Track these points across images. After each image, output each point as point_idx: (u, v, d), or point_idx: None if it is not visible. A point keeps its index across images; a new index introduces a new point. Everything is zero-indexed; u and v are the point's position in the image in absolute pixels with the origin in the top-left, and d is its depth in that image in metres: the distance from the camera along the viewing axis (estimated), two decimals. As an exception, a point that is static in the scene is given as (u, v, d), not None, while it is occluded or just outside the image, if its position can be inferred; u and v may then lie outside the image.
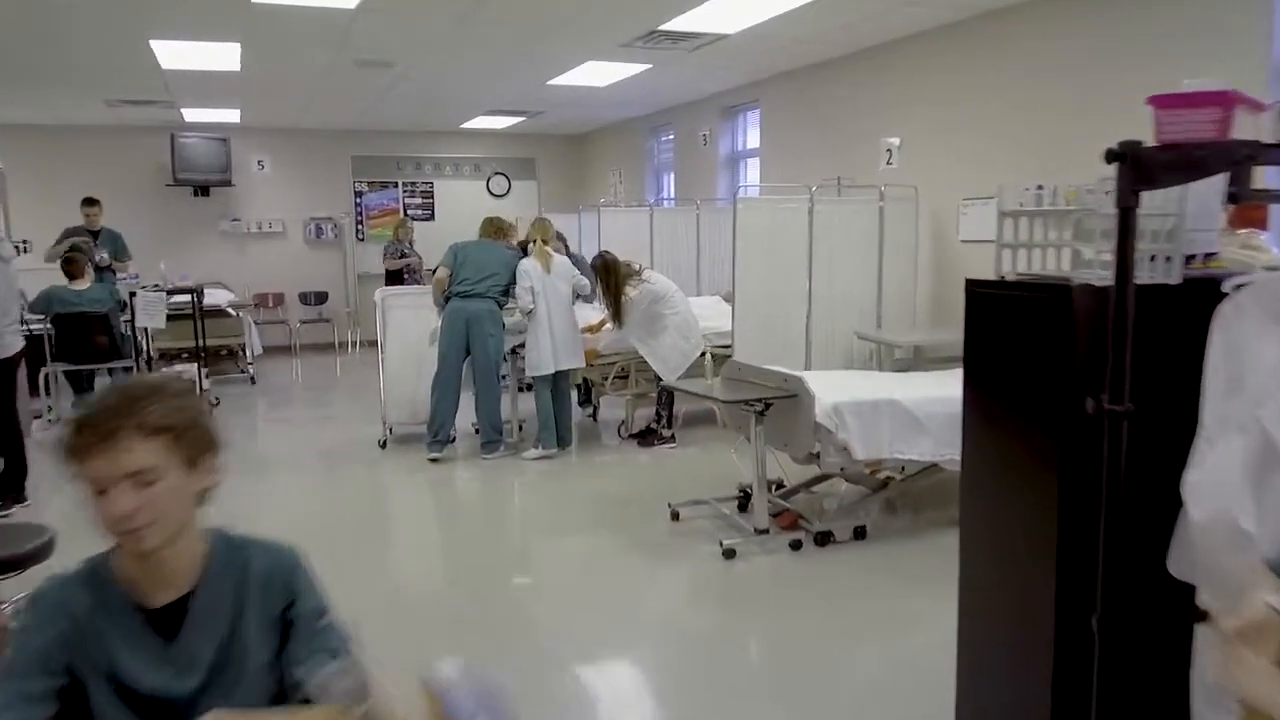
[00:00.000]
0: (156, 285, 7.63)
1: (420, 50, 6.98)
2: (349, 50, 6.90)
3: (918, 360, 5.91)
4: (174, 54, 6.88)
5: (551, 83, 8.35)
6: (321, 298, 11.99)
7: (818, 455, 4.30)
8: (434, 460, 6.08)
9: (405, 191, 12.34)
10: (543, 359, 6.09)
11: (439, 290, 6.10)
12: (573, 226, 9.55)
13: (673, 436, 6.50)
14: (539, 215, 7.09)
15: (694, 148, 9.70)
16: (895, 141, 6.86)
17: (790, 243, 6.10)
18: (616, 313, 6.24)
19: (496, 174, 12.64)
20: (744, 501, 4.89)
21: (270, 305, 11.74)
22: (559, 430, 6.27)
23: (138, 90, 8.40)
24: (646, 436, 6.57)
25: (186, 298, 8.42)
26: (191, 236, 11.40)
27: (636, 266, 6.33)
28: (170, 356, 8.99)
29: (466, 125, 11.51)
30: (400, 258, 10.11)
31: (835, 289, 6.20)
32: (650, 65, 7.57)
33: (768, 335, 6.11)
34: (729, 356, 6.17)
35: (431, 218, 12.30)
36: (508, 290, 6.12)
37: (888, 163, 6.92)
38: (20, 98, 8.65)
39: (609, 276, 6.20)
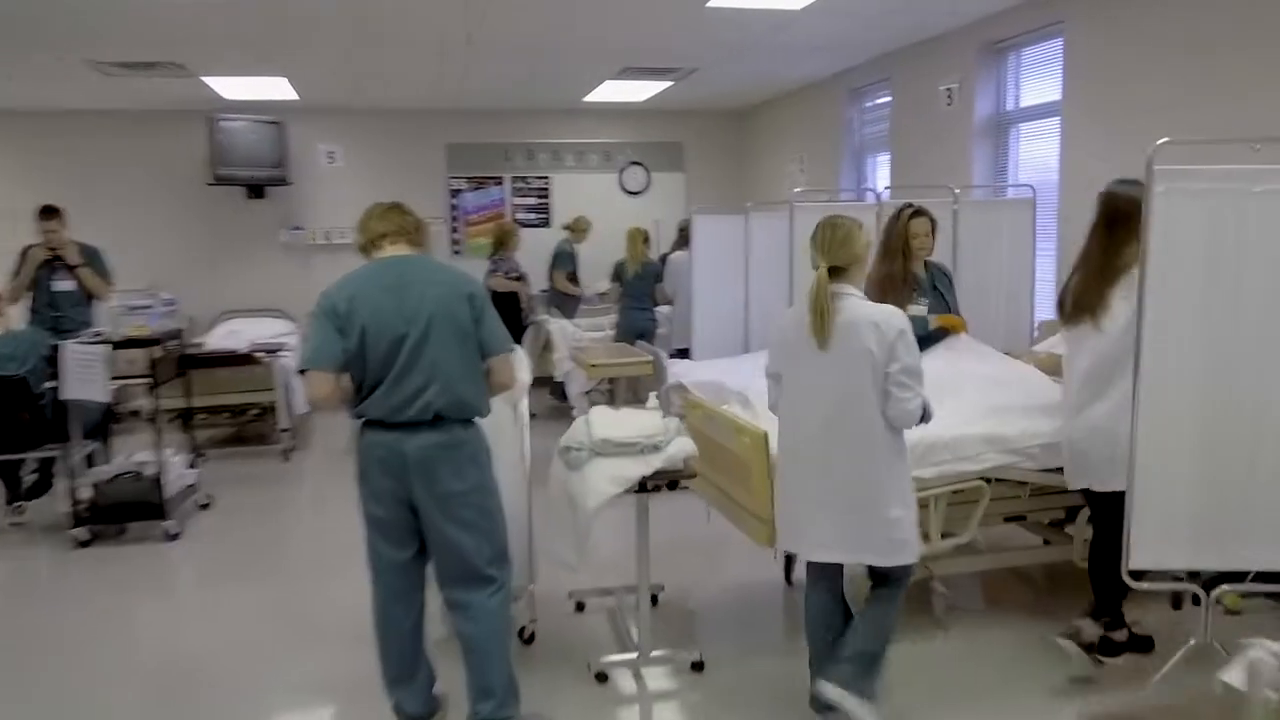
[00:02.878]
0: (98, 333, 4.92)
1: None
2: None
3: None
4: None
5: (713, 3, 5.20)
6: (406, 328, 9.26)
7: None
8: None
9: (514, 190, 9.46)
10: (786, 526, 2.89)
11: (328, 398, 2.70)
12: (729, 233, 6.47)
13: (1138, 639, 3.19)
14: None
15: (928, 112, 6.34)
16: None
17: (1236, 266, 2.70)
18: None
19: (632, 164, 9.59)
20: None
21: (341, 338, 9.07)
22: (863, 672, 2.80)
23: (114, 43, 5.77)
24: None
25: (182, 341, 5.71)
26: (241, 251, 8.87)
27: None
28: (179, 420, 6.31)
29: (592, 98, 8.50)
30: (516, 278, 7.17)
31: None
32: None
33: (1204, 462, 2.74)
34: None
35: (546, 224, 9.38)
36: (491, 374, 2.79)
37: None
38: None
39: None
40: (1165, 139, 2.60)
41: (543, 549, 3.36)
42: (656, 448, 3.09)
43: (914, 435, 3.02)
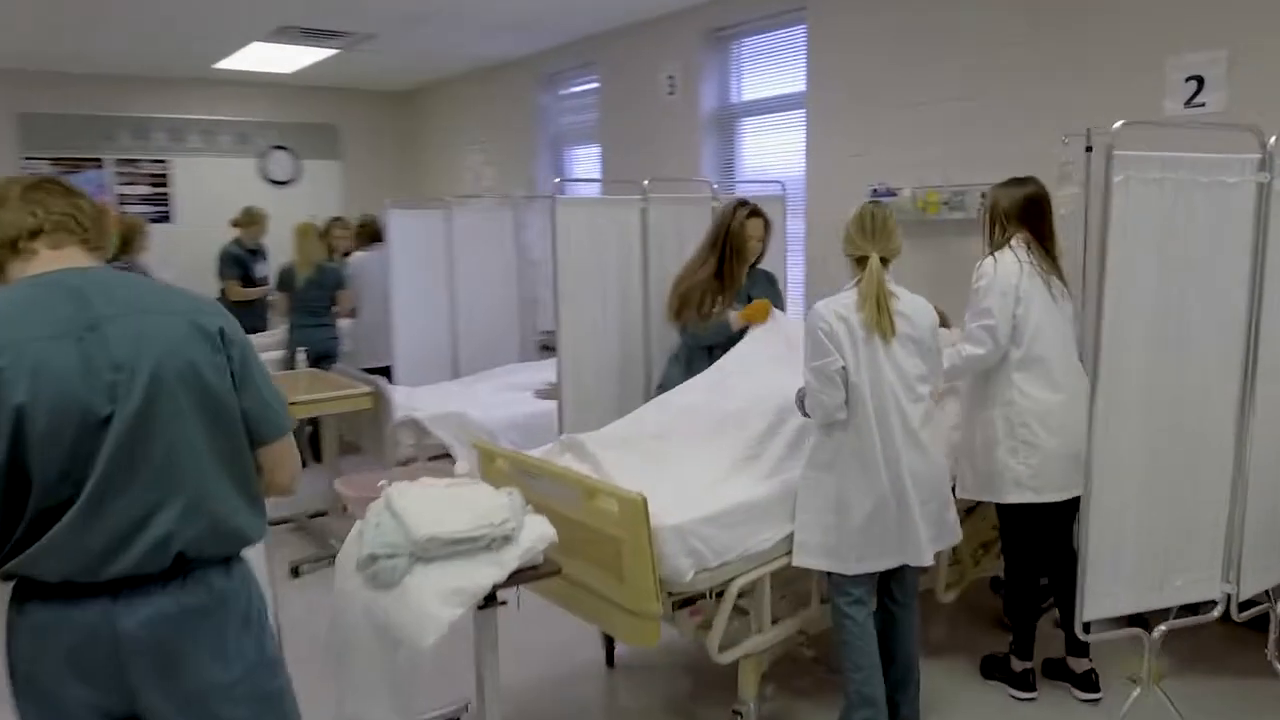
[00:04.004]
0: None
1: None
2: None
3: None
4: None
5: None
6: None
7: None
8: None
9: (120, 175, 7.51)
10: (844, 537, 2.54)
11: None
12: (430, 232, 5.62)
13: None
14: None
15: (646, 102, 5.85)
16: (1214, 60, 3.41)
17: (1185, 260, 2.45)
18: None
19: (276, 148, 8.07)
20: None
21: None
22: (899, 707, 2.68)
23: None
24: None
25: None
26: None
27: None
28: None
29: (226, 65, 6.93)
30: None
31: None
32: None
33: (1151, 483, 2.45)
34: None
35: (167, 217, 7.58)
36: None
37: (1189, 102, 3.47)
38: None
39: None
40: (1121, 121, 2.23)
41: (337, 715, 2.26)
42: (507, 538, 2.17)
43: (732, 499, 2.68)
